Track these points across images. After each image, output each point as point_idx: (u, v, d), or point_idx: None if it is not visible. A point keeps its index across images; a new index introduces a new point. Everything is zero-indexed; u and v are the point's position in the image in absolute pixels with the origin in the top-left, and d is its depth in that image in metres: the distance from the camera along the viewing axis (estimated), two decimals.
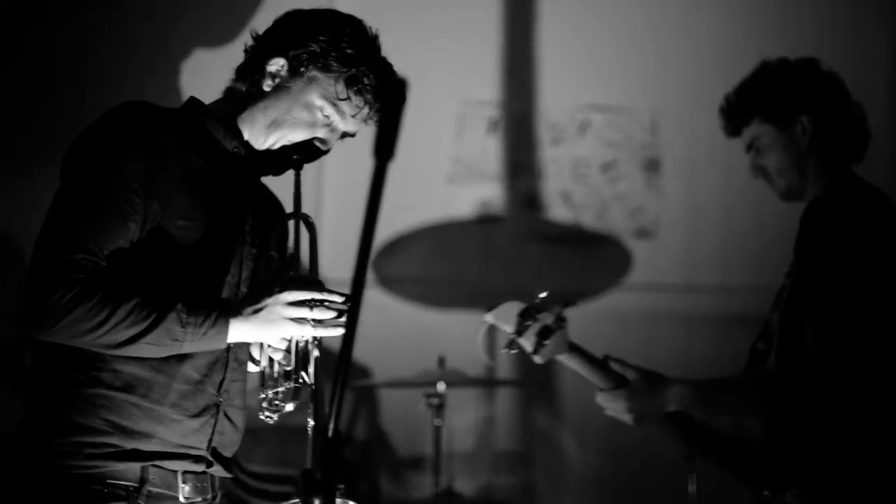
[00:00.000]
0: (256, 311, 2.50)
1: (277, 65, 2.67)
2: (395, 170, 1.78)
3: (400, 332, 5.17)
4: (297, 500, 2.39)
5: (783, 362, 3.10)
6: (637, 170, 5.32)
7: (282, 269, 2.73)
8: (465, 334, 5.17)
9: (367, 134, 2.49)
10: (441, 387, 4.58)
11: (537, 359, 3.02)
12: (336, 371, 1.78)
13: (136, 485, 2.49)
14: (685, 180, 5.29)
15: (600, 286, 5.18)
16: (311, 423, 2.49)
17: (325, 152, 2.73)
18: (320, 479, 1.79)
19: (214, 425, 2.62)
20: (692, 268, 5.25)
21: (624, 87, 5.35)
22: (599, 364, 3.08)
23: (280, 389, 2.60)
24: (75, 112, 4.53)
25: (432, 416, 4.59)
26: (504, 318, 3.02)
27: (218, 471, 2.66)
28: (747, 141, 3.34)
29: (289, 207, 2.71)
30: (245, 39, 2.77)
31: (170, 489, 2.54)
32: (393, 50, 2.73)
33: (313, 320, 2.50)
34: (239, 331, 2.51)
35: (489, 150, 5.36)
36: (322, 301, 2.51)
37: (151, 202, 2.49)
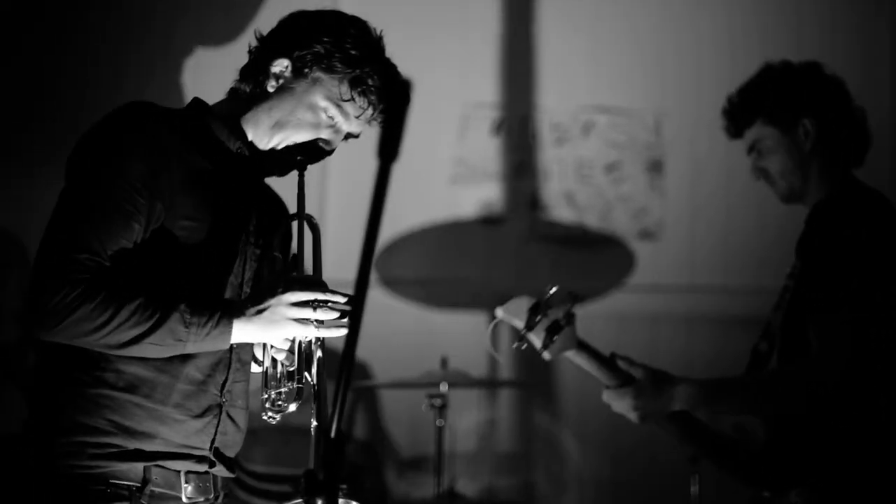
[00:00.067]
0: (260, 312, 2.50)
1: (281, 66, 2.67)
2: (398, 171, 1.78)
3: (403, 332, 5.18)
4: (299, 501, 2.39)
5: (785, 363, 3.11)
6: (640, 171, 5.32)
7: (285, 269, 2.73)
8: (468, 335, 5.21)
9: (370, 135, 2.49)
10: (444, 387, 4.58)
11: (546, 355, 3.02)
12: (339, 372, 1.78)
13: (138, 485, 2.49)
14: (688, 181, 5.30)
15: (603, 287, 5.18)
16: (314, 423, 2.49)
17: (329, 153, 2.73)
18: (323, 480, 1.78)
19: (217, 425, 2.62)
20: (694, 269, 5.25)
21: (628, 88, 5.36)
22: (606, 361, 3.09)
23: (283, 390, 2.60)
24: (76, 112, 4.56)
25: (435, 416, 4.58)
26: (514, 312, 3.02)
27: (220, 471, 2.66)
28: (749, 143, 3.35)
29: (292, 208, 2.71)
30: (247, 38, 2.77)
31: (172, 489, 2.54)
32: (396, 51, 2.73)
33: (316, 321, 2.50)
34: (242, 331, 2.51)
35: (492, 152, 5.36)
36: (325, 302, 2.51)
37: (155, 202, 2.49)
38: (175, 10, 5.15)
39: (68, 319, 2.38)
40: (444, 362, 4.66)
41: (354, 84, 2.64)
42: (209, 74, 4.86)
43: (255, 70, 2.70)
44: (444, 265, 5.33)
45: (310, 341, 2.56)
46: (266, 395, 2.61)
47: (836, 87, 3.31)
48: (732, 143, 3.45)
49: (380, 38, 2.70)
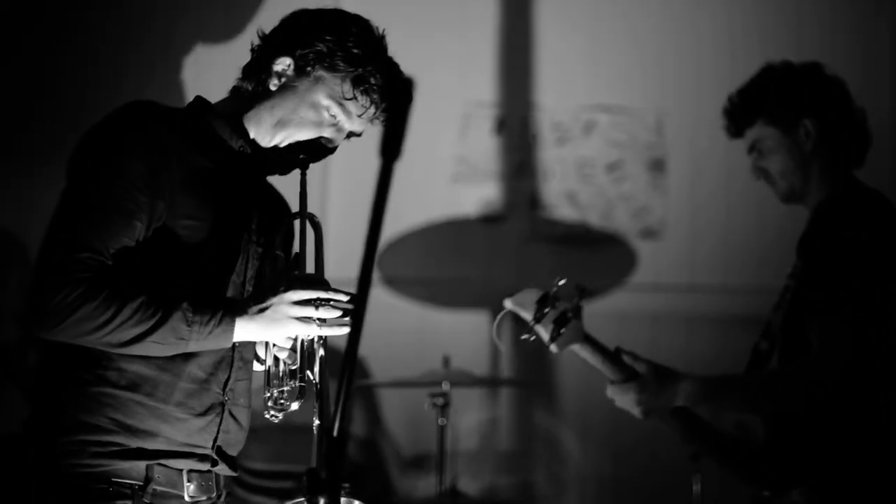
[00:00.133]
0: (262, 311, 2.50)
1: (284, 64, 2.67)
2: (399, 170, 1.78)
3: (405, 331, 5.18)
4: (302, 499, 2.39)
5: (786, 362, 3.12)
6: (642, 170, 5.32)
7: (287, 268, 2.73)
8: (470, 334, 5.22)
9: (372, 133, 2.50)
10: (446, 386, 4.58)
11: (553, 347, 3.02)
12: (341, 370, 1.78)
13: (140, 483, 2.49)
14: (689, 181, 5.30)
15: (604, 286, 5.18)
16: (316, 422, 2.49)
17: (332, 151, 2.73)
18: (325, 478, 1.78)
19: (220, 424, 2.62)
20: (694, 268, 5.25)
21: (629, 87, 5.36)
22: (611, 356, 3.09)
23: (285, 388, 2.60)
24: (76, 111, 4.56)
25: (437, 415, 4.59)
26: (523, 304, 3.02)
27: (223, 469, 2.66)
28: (750, 142, 3.35)
29: (295, 207, 2.71)
30: (247, 36, 2.77)
31: (175, 488, 2.54)
32: (398, 49, 2.73)
33: (319, 319, 2.50)
34: (244, 330, 2.51)
35: (494, 151, 5.36)
36: (327, 300, 2.51)
37: (157, 201, 2.49)
38: (175, 9, 5.14)
39: (70, 318, 2.38)
40: (445, 361, 4.66)
41: (357, 83, 2.64)
42: (210, 72, 4.86)
43: (257, 68, 2.70)
44: (446, 264, 5.33)
45: (312, 340, 2.56)
46: (268, 394, 2.61)
47: (837, 87, 3.32)
48: (733, 143, 3.45)
49: (382, 37, 2.71)
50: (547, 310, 3.00)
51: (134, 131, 2.51)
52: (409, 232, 5.25)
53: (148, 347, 2.45)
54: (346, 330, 2.49)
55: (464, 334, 5.21)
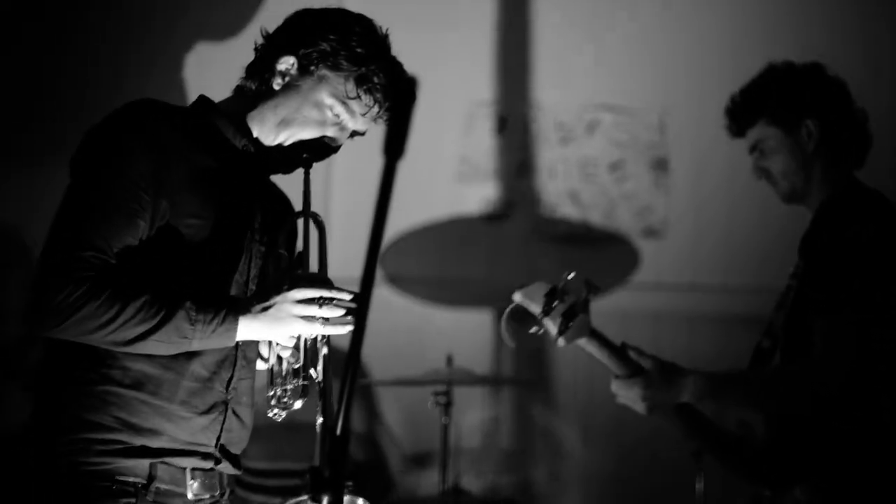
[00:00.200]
0: (265, 309, 2.51)
1: (287, 63, 2.67)
2: (402, 169, 1.79)
3: (408, 330, 5.19)
4: (305, 497, 2.39)
5: (788, 361, 3.12)
6: (645, 169, 5.32)
7: (291, 267, 2.74)
8: (473, 333, 5.22)
9: (375, 132, 2.50)
10: (448, 385, 4.58)
11: (561, 341, 3.02)
12: (345, 369, 1.78)
13: (144, 481, 2.49)
14: (692, 180, 5.30)
15: (607, 285, 5.18)
16: (320, 420, 2.49)
17: (335, 151, 2.74)
18: (329, 477, 1.79)
19: (223, 422, 2.62)
20: (696, 267, 5.25)
21: (632, 86, 5.36)
22: (617, 351, 3.09)
23: (288, 387, 2.60)
24: (77, 108, 4.56)
25: (440, 414, 4.59)
26: (531, 297, 3.03)
27: (226, 468, 2.66)
28: (752, 142, 3.35)
29: (298, 205, 2.71)
30: (248, 34, 2.78)
31: (178, 486, 2.54)
32: (401, 49, 2.73)
33: (322, 318, 2.51)
34: (248, 328, 2.51)
35: (497, 150, 5.37)
36: (331, 299, 2.51)
37: (160, 200, 2.49)
38: (176, 7, 5.14)
39: (73, 317, 2.39)
40: (449, 360, 4.66)
41: (360, 82, 2.64)
42: (211, 70, 4.86)
43: (260, 67, 2.70)
44: (449, 263, 5.34)
45: (315, 338, 2.57)
46: (272, 393, 2.61)
47: (839, 88, 3.32)
48: (735, 142, 3.45)
49: (385, 36, 2.71)
50: (555, 303, 3.01)
51: (136, 130, 2.51)
52: (412, 231, 5.25)
53: (151, 346, 2.45)
54: (350, 328, 2.49)
55: (467, 333, 5.21)
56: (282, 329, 2.52)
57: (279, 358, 2.62)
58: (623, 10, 5.39)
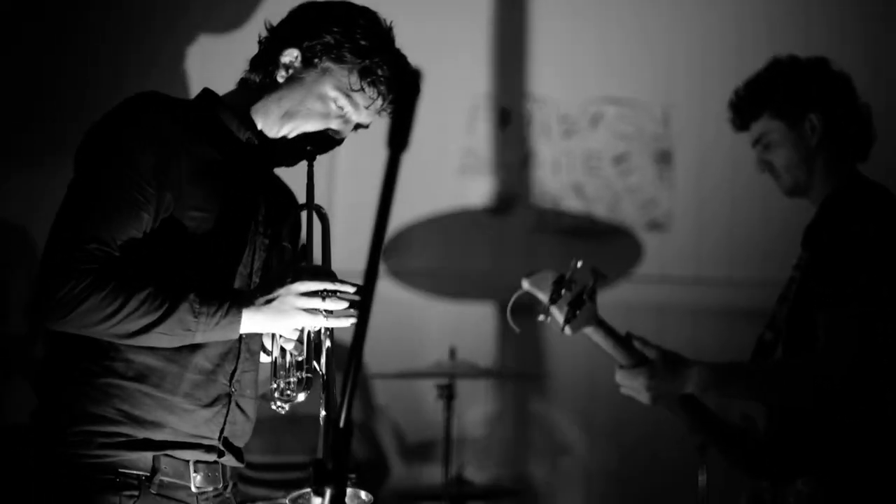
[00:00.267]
0: (269, 302, 2.50)
1: (291, 56, 2.67)
2: (406, 161, 1.78)
3: (411, 323, 5.19)
4: (307, 490, 2.39)
5: (790, 353, 3.12)
6: (649, 162, 5.32)
7: (294, 259, 2.74)
8: (477, 325, 5.22)
9: (379, 125, 2.50)
10: (452, 378, 4.59)
11: (567, 330, 3.03)
12: (348, 361, 1.78)
13: (147, 474, 2.50)
14: (696, 173, 5.29)
15: (611, 278, 5.17)
16: (323, 413, 2.49)
17: (339, 143, 2.73)
18: (332, 469, 1.79)
19: (226, 415, 2.62)
20: (700, 260, 5.25)
21: (636, 79, 5.35)
22: (622, 341, 3.10)
23: (292, 379, 2.60)
24: (81, 102, 4.56)
25: (443, 406, 4.59)
26: (539, 285, 3.04)
27: (229, 460, 2.67)
28: (755, 136, 3.35)
29: (301, 198, 2.71)
30: (251, 26, 2.78)
31: (181, 479, 2.55)
32: (405, 41, 2.73)
33: (325, 311, 2.50)
34: (251, 321, 2.51)
35: (501, 142, 5.36)
36: (334, 291, 2.51)
37: (164, 193, 2.49)
38: (178, 2, 5.15)
39: (77, 310, 2.39)
40: (452, 353, 4.66)
41: (364, 74, 2.64)
42: (214, 64, 4.86)
43: (264, 60, 2.70)
44: (453, 256, 5.34)
45: (318, 331, 2.57)
46: (275, 385, 2.61)
47: (843, 82, 3.32)
48: (739, 136, 3.46)
49: (389, 29, 2.70)
50: (563, 291, 3.02)
51: (140, 123, 2.51)
52: (415, 223, 5.25)
53: (155, 338, 2.45)
54: (353, 321, 2.50)
55: (470, 326, 5.21)
56: (285, 321, 2.52)
57: (282, 350, 2.62)
58: (627, 2, 5.38)
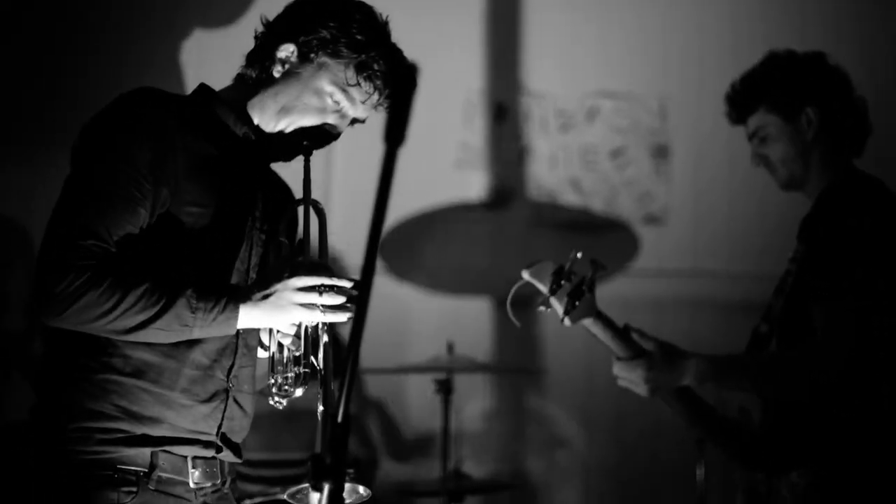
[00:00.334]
0: (266, 297, 2.50)
1: (287, 51, 2.67)
2: (402, 156, 1.78)
3: (409, 317, 5.19)
4: (305, 485, 2.39)
5: (785, 346, 3.13)
6: (645, 156, 5.32)
7: (291, 254, 2.73)
8: (474, 320, 5.22)
9: (375, 120, 2.50)
10: (449, 373, 4.59)
11: (567, 321, 3.03)
12: (346, 356, 1.78)
13: (145, 470, 2.49)
14: (692, 167, 5.29)
15: (608, 272, 5.17)
16: (321, 408, 2.49)
17: (335, 138, 2.73)
18: (330, 464, 1.79)
19: (224, 411, 2.62)
20: (697, 254, 5.26)
21: (632, 73, 5.35)
22: (620, 333, 3.10)
23: (289, 375, 2.60)
24: (77, 97, 4.55)
25: (441, 401, 4.59)
26: (539, 276, 3.05)
27: (227, 456, 2.66)
28: (751, 129, 3.36)
29: (298, 193, 2.71)
30: (247, 21, 2.77)
31: (179, 474, 2.55)
32: (401, 36, 2.73)
33: (322, 306, 2.50)
34: (248, 316, 2.51)
35: (497, 137, 5.36)
36: (331, 287, 2.51)
37: (160, 188, 2.49)
38: None
39: (75, 306, 2.39)
40: (450, 347, 4.66)
41: (360, 69, 2.64)
42: (210, 58, 4.86)
43: (261, 55, 2.70)
44: (450, 251, 5.33)
45: (316, 326, 2.56)
46: (273, 380, 2.61)
47: (840, 77, 3.33)
48: (735, 129, 3.46)
49: (385, 23, 2.70)
50: (563, 282, 3.02)
51: (136, 118, 2.51)
52: (412, 218, 5.25)
53: (152, 334, 2.45)
54: (350, 316, 2.50)
55: (468, 320, 5.21)
56: (282, 317, 2.52)
57: (280, 346, 2.62)
58: None
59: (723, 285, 5.16)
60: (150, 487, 2.49)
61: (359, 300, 1.80)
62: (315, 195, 2.69)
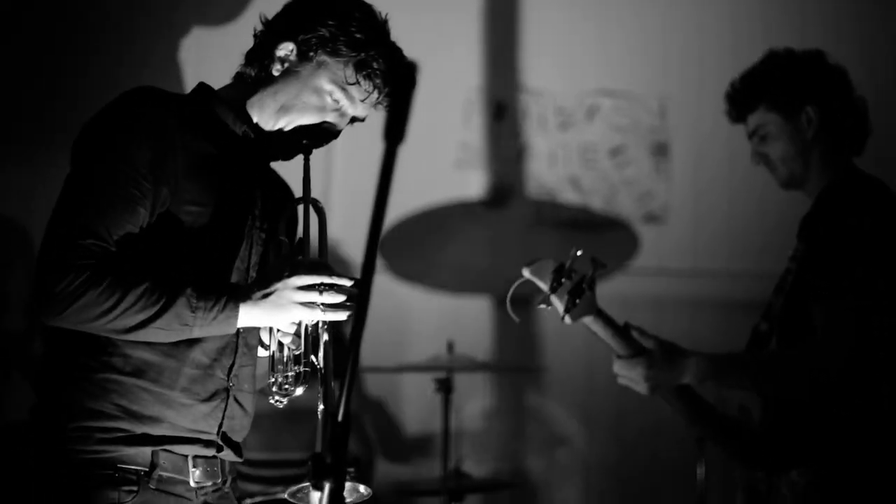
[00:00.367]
0: (266, 296, 2.50)
1: (286, 49, 2.67)
2: (401, 155, 1.78)
3: (409, 316, 5.19)
4: (306, 485, 2.39)
5: (785, 344, 3.13)
6: (645, 154, 5.32)
7: (291, 253, 2.73)
8: (474, 319, 5.22)
9: (375, 118, 2.49)
10: (449, 372, 4.59)
11: (567, 319, 3.04)
12: (346, 355, 1.78)
13: (146, 469, 2.49)
14: (692, 165, 5.29)
15: (608, 270, 5.17)
16: (321, 407, 2.49)
17: (335, 137, 2.73)
18: (330, 463, 1.79)
19: (224, 410, 2.62)
20: (697, 253, 5.26)
21: (632, 71, 5.35)
22: (621, 331, 3.11)
23: (290, 374, 2.60)
24: (77, 96, 4.55)
25: (441, 400, 4.60)
26: (540, 274, 3.05)
27: (228, 455, 2.66)
28: (751, 128, 3.36)
29: (298, 192, 2.71)
30: (246, 19, 2.77)
31: (180, 473, 2.54)
32: (401, 35, 2.73)
33: (323, 304, 2.50)
34: (248, 315, 2.51)
35: (496, 136, 5.36)
36: (331, 285, 2.51)
37: (160, 187, 2.49)
38: None
39: (74, 305, 2.38)
40: (450, 346, 4.66)
41: (359, 67, 2.64)
42: (209, 56, 4.85)
43: (260, 54, 2.70)
44: (450, 249, 5.33)
45: (316, 325, 2.56)
46: (273, 379, 2.61)
47: (839, 75, 3.33)
48: (736, 128, 3.46)
49: (385, 22, 2.70)
50: (563, 280, 3.03)
51: (136, 117, 2.51)
52: (412, 217, 5.25)
53: (152, 333, 2.45)
54: (350, 315, 2.50)
55: (468, 320, 5.21)
56: (282, 315, 2.52)
57: (280, 345, 2.62)
58: None
59: (723, 284, 5.17)
60: (151, 487, 2.49)
61: (359, 299, 1.79)
62: (315, 194, 2.69)
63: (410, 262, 5.27)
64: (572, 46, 5.37)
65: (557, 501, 5.31)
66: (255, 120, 2.69)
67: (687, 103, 5.27)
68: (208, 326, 2.48)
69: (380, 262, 5.14)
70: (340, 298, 2.51)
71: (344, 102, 2.67)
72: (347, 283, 2.52)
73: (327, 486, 1.79)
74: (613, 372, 3.14)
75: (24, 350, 4.60)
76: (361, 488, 2.46)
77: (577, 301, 3.03)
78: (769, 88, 3.30)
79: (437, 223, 5.29)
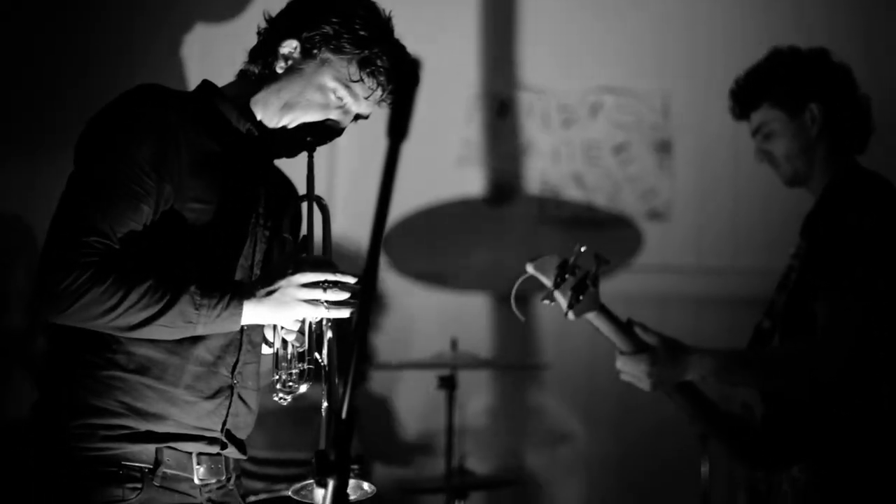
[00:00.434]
0: (270, 293, 2.50)
1: (290, 47, 2.66)
2: (405, 153, 1.78)
3: (412, 314, 5.19)
4: (310, 482, 2.39)
5: (787, 341, 3.13)
6: (649, 151, 5.31)
7: (295, 251, 2.73)
8: (478, 316, 5.22)
9: (379, 116, 2.50)
10: (453, 369, 4.59)
11: (570, 315, 3.04)
12: (350, 352, 1.78)
13: (150, 466, 2.49)
14: (696, 163, 5.29)
15: (611, 267, 5.17)
16: (325, 404, 2.49)
17: (339, 134, 2.73)
18: (334, 460, 1.79)
19: (228, 407, 2.62)
20: (701, 250, 5.25)
21: (635, 68, 5.35)
22: (624, 327, 3.11)
23: (294, 371, 2.60)
24: (79, 93, 4.55)
25: (444, 397, 4.60)
26: (543, 269, 3.05)
27: (232, 452, 2.66)
28: (755, 125, 3.36)
29: (302, 189, 2.71)
30: (250, 16, 2.77)
31: (184, 471, 2.55)
32: (404, 32, 2.73)
33: (326, 302, 2.50)
34: (252, 313, 2.51)
35: (500, 133, 5.36)
36: (335, 282, 2.51)
37: (164, 185, 2.49)
38: None
39: (78, 303, 2.39)
40: (453, 343, 4.66)
41: (363, 65, 2.64)
42: (212, 54, 4.86)
43: (263, 51, 2.70)
44: (453, 246, 5.33)
45: (320, 322, 2.56)
46: (277, 377, 2.61)
47: (843, 73, 3.33)
48: (740, 125, 3.46)
49: (388, 19, 2.70)
50: (567, 276, 3.03)
51: (139, 115, 2.51)
52: (415, 214, 5.25)
53: (156, 331, 2.45)
54: (354, 311, 2.50)
55: (471, 317, 5.21)
56: (286, 313, 2.52)
57: (284, 342, 2.62)
58: None
59: (726, 281, 5.16)
60: (155, 484, 2.49)
61: (363, 296, 1.79)
62: (318, 191, 2.69)
63: (413, 260, 5.27)
64: (575, 43, 5.36)
65: (560, 498, 5.31)
66: (258, 117, 2.69)
67: (690, 100, 5.27)
68: (212, 324, 2.49)
69: (383, 260, 5.14)
70: (344, 295, 2.51)
71: (348, 100, 2.67)
72: (351, 280, 2.52)
73: (331, 484, 1.79)
74: (616, 368, 3.14)
75: (25, 348, 4.61)
76: (365, 485, 2.46)
77: (581, 297, 3.03)
78: (773, 86, 3.30)
79: (439, 220, 5.28)
